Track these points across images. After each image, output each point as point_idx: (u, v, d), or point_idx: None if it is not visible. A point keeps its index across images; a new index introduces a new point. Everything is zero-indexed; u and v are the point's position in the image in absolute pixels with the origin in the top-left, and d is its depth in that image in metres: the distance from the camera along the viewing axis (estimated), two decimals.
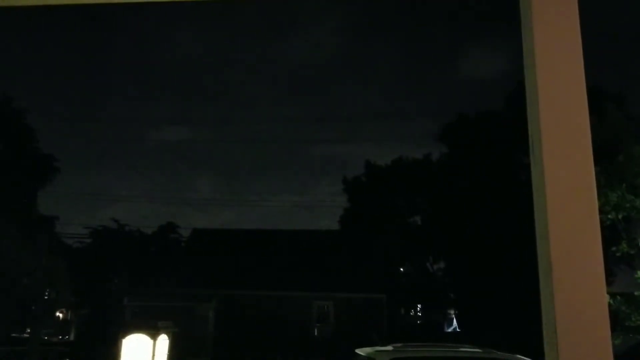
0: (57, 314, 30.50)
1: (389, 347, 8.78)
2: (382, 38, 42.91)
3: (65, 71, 42.91)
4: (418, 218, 31.91)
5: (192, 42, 43.63)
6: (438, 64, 43.71)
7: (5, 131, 21.81)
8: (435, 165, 29.85)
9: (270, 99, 46.48)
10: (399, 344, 9.26)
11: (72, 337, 28.02)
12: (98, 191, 47.42)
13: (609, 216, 9.32)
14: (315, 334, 23.63)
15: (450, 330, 32.45)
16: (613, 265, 13.80)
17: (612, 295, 9.03)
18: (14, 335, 22.54)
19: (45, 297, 23.55)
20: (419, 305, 34.49)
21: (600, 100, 11.94)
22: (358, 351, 8.91)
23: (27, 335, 21.95)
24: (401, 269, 32.34)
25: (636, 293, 9.02)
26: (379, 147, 50.87)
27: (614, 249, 9.73)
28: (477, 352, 8.51)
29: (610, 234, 9.69)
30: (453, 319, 33.20)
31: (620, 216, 9.52)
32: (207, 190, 49.29)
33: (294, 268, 24.24)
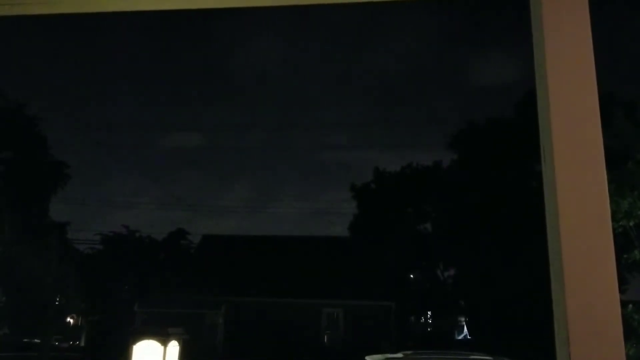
0: (68, 319, 30.66)
1: (399, 355, 8.74)
2: (393, 46, 42.94)
3: (79, 78, 43.33)
4: (428, 225, 31.80)
5: (194, 48, 43.90)
6: (448, 71, 43.66)
7: (18, 138, 22.04)
8: (445, 173, 29.75)
9: (279, 106, 46.59)
10: (409, 352, 9.22)
11: (82, 343, 28.13)
12: (109, 197, 47.72)
13: (621, 223, 9.23)
14: (325, 341, 23.55)
15: (460, 337, 32.20)
16: (625, 273, 13.65)
17: (624, 303, 8.93)
18: (25, 340, 22.68)
19: (56, 303, 23.71)
20: (429, 313, 34.27)
21: (609, 107, 11.88)
22: (368, 358, 8.89)
23: (39, 341, 22.08)
24: (411, 276, 32.18)
25: None
26: (388, 154, 50.78)
27: (625, 256, 9.63)
28: (488, 359, 8.45)
29: (622, 242, 9.60)
30: (463, 326, 32.95)
31: (631, 223, 9.43)
32: (216, 197, 49.44)
33: (303, 275, 24.21)
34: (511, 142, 23.19)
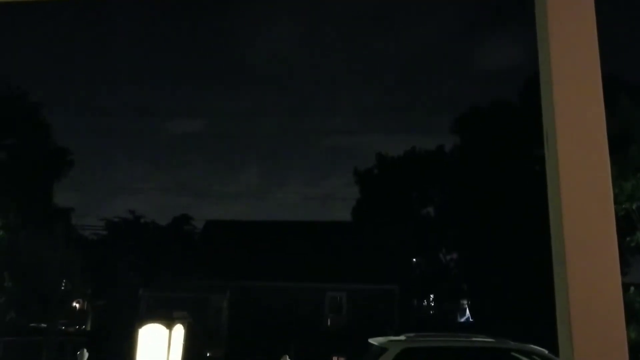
0: (74, 304, 30.95)
1: (402, 337, 8.81)
2: (393, 29, 42.59)
3: (84, 63, 43.14)
4: (431, 209, 31.87)
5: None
6: (451, 54, 43.30)
7: (21, 125, 22.05)
8: (448, 157, 29.73)
9: (281, 90, 46.41)
10: (412, 334, 9.28)
11: (88, 327, 28.43)
12: (113, 183, 47.80)
13: (623, 206, 9.24)
14: (329, 324, 23.74)
15: (463, 320, 32.44)
16: (628, 255, 13.69)
17: (626, 286, 8.98)
18: (32, 325, 22.94)
19: (62, 288, 23.92)
20: (431, 296, 34.50)
21: (613, 90, 11.78)
22: (371, 341, 8.96)
23: (45, 325, 22.32)
24: (414, 260, 32.34)
25: None
26: (391, 139, 50.59)
27: (628, 239, 9.65)
28: (490, 342, 8.50)
29: (624, 224, 9.60)
30: (466, 309, 33.16)
31: (634, 206, 9.44)
32: (220, 182, 49.48)
33: (307, 259, 24.33)
34: (514, 126, 23.11)
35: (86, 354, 14.17)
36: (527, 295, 20.34)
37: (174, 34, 42.17)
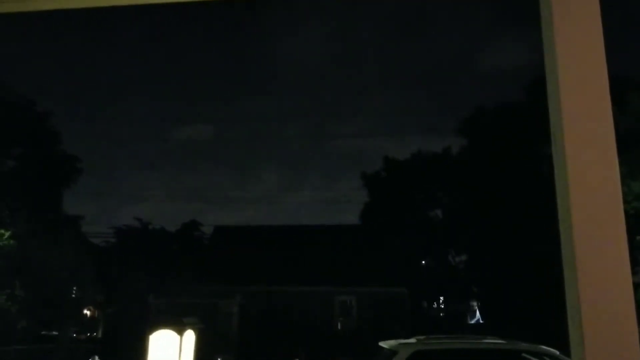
0: (85, 312, 31.09)
1: (413, 340, 8.77)
2: (397, 32, 42.58)
3: (88, 70, 43.47)
4: (439, 211, 31.78)
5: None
6: (457, 56, 43.23)
7: (30, 134, 22.22)
8: (455, 159, 29.64)
9: (287, 94, 46.51)
10: (422, 337, 9.24)
11: (99, 335, 28.54)
12: (122, 191, 48.07)
13: (632, 205, 9.16)
14: (339, 328, 23.70)
15: (473, 322, 32.25)
16: (638, 254, 13.57)
17: (637, 285, 8.90)
18: (43, 333, 23.07)
19: (73, 296, 24.05)
20: (441, 298, 34.34)
21: (623, 89, 11.70)
22: (382, 344, 8.93)
23: (57, 333, 22.44)
24: (423, 263, 32.22)
25: None
26: (398, 142, 50.52)
27: (638, 237, 9.58)
28: (501, 343, 8.45)
29: (634, 223, 9.53)
30: (476, 310, 32.98)
31: None
32: (228, 187, 49.61)
33: (316, 263, 24.32)
34: (521, 126, 23.01)
35: None
36: (537, 296, 20.21)
37: (178, 40, 42.39)
